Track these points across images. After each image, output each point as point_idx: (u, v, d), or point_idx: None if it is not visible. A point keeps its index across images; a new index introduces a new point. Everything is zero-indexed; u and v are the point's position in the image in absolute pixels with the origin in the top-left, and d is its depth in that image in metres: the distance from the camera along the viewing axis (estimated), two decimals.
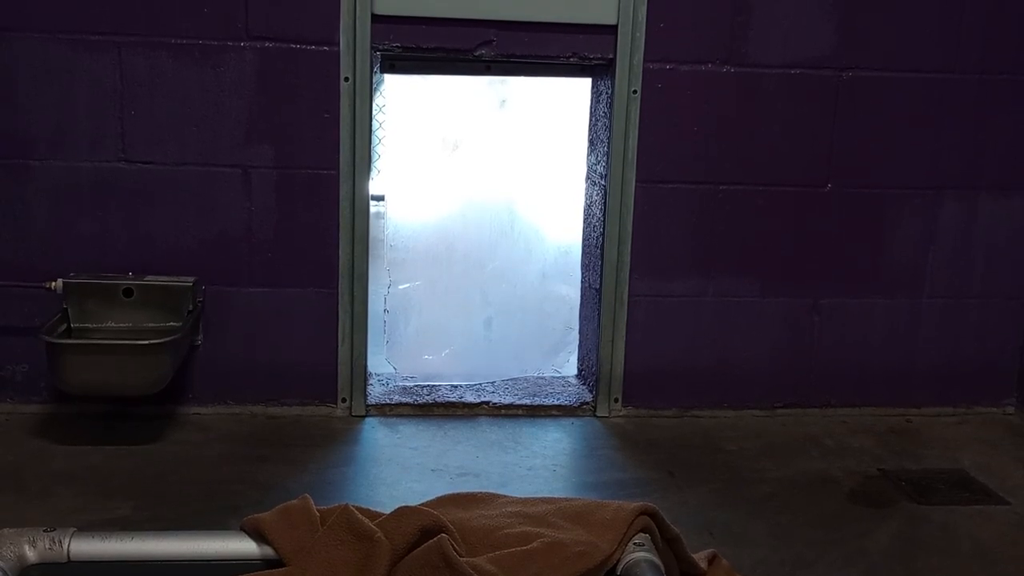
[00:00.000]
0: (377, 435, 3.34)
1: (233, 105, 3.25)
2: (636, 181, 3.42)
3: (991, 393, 3.74)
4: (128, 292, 3.22)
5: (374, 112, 3.40)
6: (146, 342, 3.04)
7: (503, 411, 3.54)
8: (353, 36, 3.23)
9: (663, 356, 3.56)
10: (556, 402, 3.60)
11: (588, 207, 3.67)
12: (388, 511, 1.27)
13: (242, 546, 1.23)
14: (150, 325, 3.21)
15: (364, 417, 3.45)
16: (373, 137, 3.39)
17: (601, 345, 3.53)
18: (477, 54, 3.33)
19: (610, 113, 3.40)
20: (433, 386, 3.67)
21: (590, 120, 3.66)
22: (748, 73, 3.41)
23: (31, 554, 1.16)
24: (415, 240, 3.84)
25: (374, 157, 3.44)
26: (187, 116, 3.24)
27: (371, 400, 3.50)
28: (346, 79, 3.25)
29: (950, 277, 3.64)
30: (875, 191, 3.55)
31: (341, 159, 3.29)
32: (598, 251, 3.53)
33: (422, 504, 1.31)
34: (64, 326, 3.17)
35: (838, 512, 2.88)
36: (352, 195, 3.31)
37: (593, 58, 3.38)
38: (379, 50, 3.31)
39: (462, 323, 3.90)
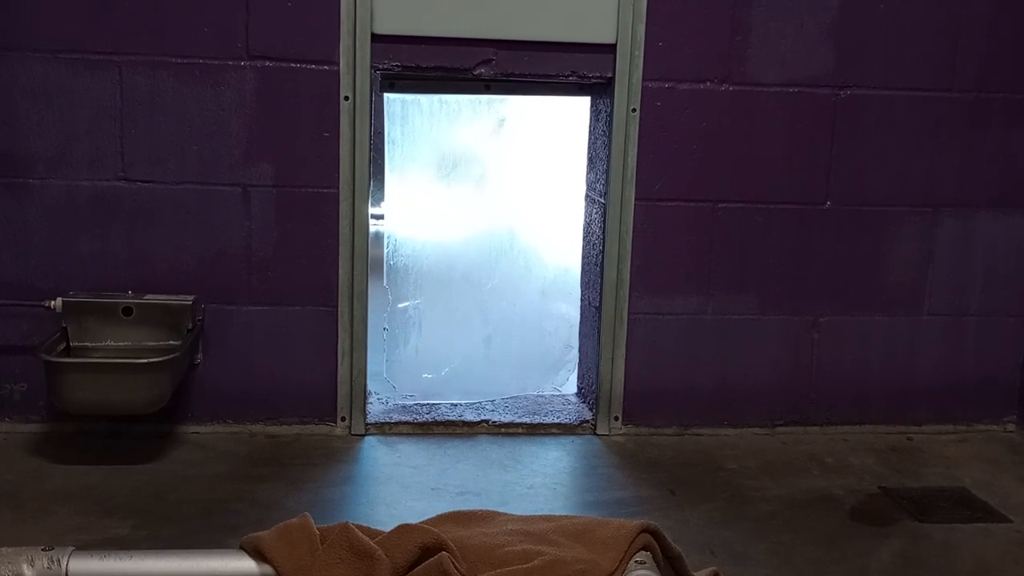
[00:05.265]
0: (377, 454, 3.33)
1: (233, 124, 3.26)
2: (635, 199, 3.43)
3: (991, 411, 3.74)
4: (127, 311, 3.22)
5: (373, 131, 3.41)
6: (145, 361, 3.03)
7: (503, 429, 3.53)
8: (353, 55, 3.24)
9: (663, 374, 3.55)
10: (556, 420, 3.59)
11: (587, 225, 3.67)
12: (388, 530, 1.27)
13: (241, 565, 1.22)
14: (149, 344, 3.21)
15: (363, 436, 3.44)
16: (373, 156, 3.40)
17: (601, 363, 3.53)
18: (477, 73, 3.34)
19: (609, 131, 3.41)
20: (433, 404, 3.66)
21: (589, 138, 3.67)
22: (746, 91, 3.42)
23: (29, 573, 1.16)
24: (415, 258, 3.84)
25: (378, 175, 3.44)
26: (187, 135, 3.25)
27: (371, 419, 3.49)
28: (346, 98, 3.26)
29: (949, 294, 3.65)
30: (874, 209, 3.55)
31: (341, 178, 3.30)
32: (598, 269, 3.53)
33: (422, 522, 1.31)
34: (63, 345, 3.16)
35: (839, 530, 2.87)
36: (352, 214, 3.32)
37: (592, 77, 3.39)
38: (379, 69, 3.32)
39: (462, 341, 3.90)
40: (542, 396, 3.83)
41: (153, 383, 3.04)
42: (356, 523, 1.27)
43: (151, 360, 3.03)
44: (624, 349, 3.51)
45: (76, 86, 3.19)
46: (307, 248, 3.34)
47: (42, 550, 1.18)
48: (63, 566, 1.17)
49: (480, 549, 1.26)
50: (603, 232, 3.48)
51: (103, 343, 3.21)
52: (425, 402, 3.69)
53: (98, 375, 3.03)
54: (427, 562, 1.20)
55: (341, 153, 3.29)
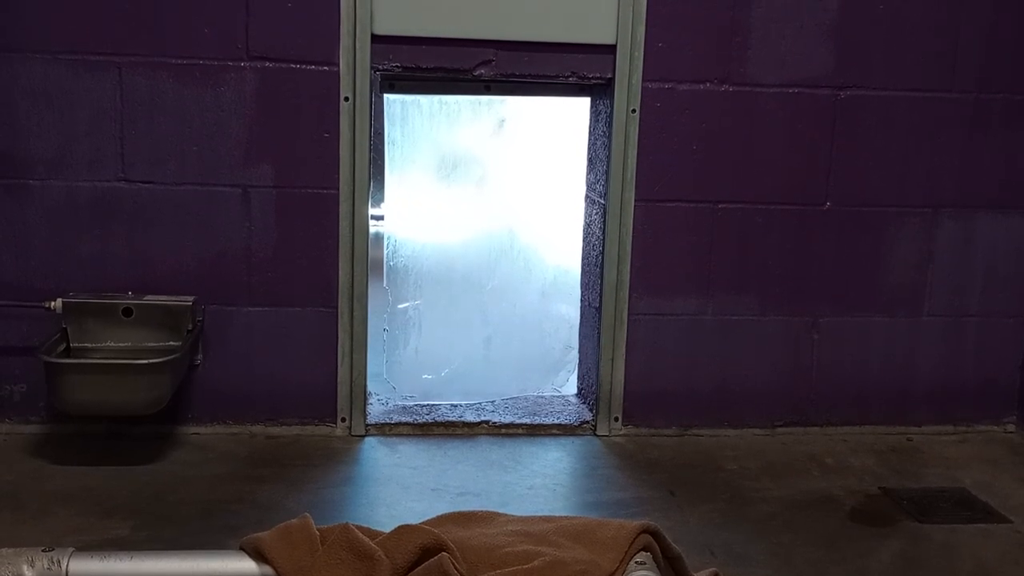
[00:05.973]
0: (377, 455, 3.33)
1: (233, 125, 3.26)
2: (635, 200, 3.43)
3: (991, 411, 3.74)
4: (128, 312, 3.22)
5: (373, 131, 3.41)
6: (145, 361, 3.03)
7: (503, 430, 3.53)
8: (353, 56, 3.24)
9: (663, 375, 3.55)
10: (556, 421, 3.59)
11: (587, 226, 3.67)
12: (388, 530, 1.27)
13: (241, 566, 1.22)
14: (149, 344, 3.21)
15: (363, 437, 3.44)
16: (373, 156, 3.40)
17: (601, 364, 3.53)
18: (477, 74, 3.35)
19: (609, 132, 3.41)
20: (433, 405, 3.66)
21: (589, 139, 3.67)
22: (746, 92, 3.43)
23: (29, 574, 1.16)
24: (415, 259, 3.84)
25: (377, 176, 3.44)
26: (187, 136, 3.25)
27: (371, 419, 3.49)
28: (346, 99, 3.26)
29: (949, 295, 3.65)
30: (874, 209, 3.55)
31: (341, 179, 3.30)
32: (597, 270, 3.53)
33: (422, 523, 1.31)
34: (63, 346, 3.16)
35: (839, 531, 2.87)
36: (352, 215, 3.32)
37: (592, 78, 3.39)
38: (379, 70, 3.32)
39: (462, 342, 3.90)
40: (542, 397, 3.83)
41: (153, 384, 3.04)
42: (356, 524, 1.27)
43: (151, 361, 3.03)
44: (624, 350, 3.51)
45: (76, 87, 3.19)
46: (307, 249, 3.34)
47: (42, 551, 1.18)
48: (63, 567, 1.17)
49: (480, 550, 1.26)
50: (603, 233, 3.48)
51: (103, 344, 3.21)
52: (425, 403, 3.69)
53: (98, 376, 3.03)
54: (427, 563, 1.20)
55: (341, 154, 3.29)
